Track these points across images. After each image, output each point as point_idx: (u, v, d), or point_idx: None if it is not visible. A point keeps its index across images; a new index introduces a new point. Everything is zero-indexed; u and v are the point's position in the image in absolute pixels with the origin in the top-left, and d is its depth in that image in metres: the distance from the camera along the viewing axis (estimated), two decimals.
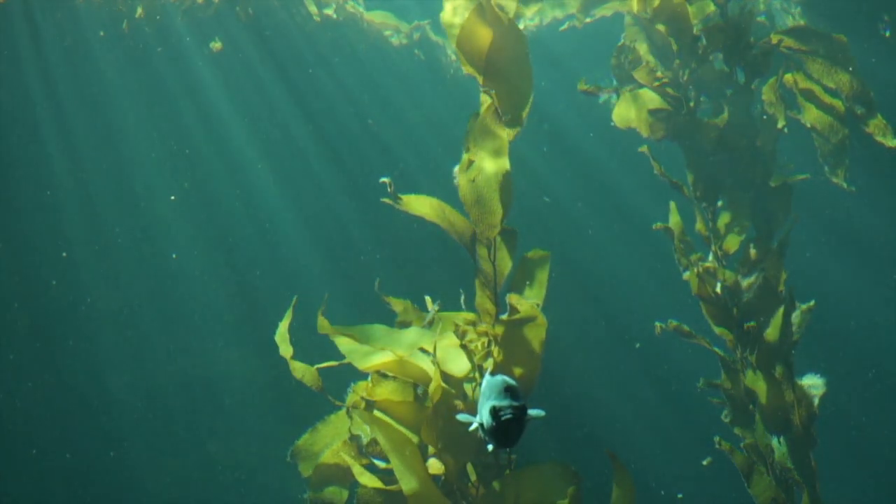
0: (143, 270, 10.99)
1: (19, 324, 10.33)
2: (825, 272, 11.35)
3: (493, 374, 3.79)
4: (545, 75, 10.99)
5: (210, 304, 11.18)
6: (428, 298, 5.03)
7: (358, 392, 4.88)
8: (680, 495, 11.55)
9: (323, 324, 4.84)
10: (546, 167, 12.56)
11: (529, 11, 5.40)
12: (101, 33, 11.12)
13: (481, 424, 3.51)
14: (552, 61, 11.67)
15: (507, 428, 3.34)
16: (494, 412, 3.34)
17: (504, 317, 4.83)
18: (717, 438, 5.84)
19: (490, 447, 3.58)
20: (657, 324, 6.37)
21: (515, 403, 3.35)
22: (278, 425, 10.68)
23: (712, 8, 6.41)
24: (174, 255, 11.02)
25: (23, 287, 10.42)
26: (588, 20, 6.83)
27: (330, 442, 4.99)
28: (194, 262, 11.23)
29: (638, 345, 12.12)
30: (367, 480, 4.70)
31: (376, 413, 4.73)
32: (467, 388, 4.81)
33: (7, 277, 10.36)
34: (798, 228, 6.59)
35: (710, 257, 6.44)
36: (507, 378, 3.53)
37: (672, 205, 6.48)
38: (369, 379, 4.86)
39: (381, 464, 4.79)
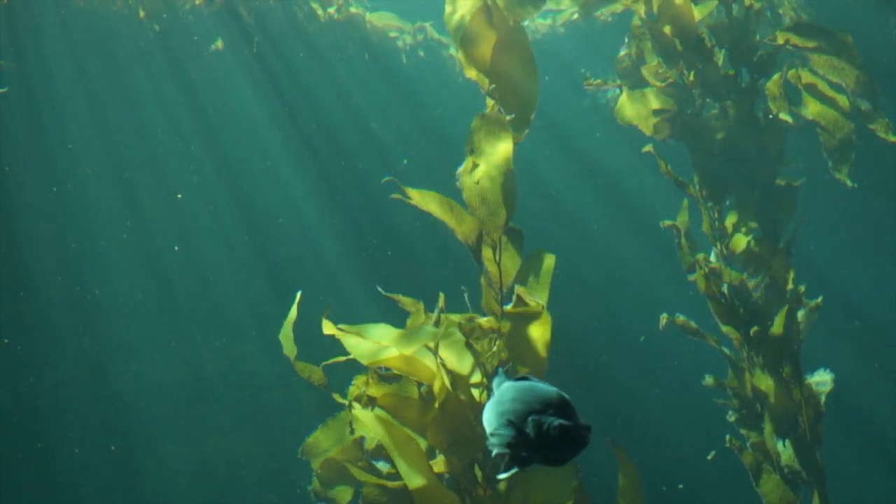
0: (148, 266, 11.03)
1: (24, 318, 10.37)
2: (829, 269, 11.34)
3: (511, 376, 3.31)
4: (554, 74, 10.98)
5: (214, 300, 11.21)
6: (442, 296, 5.03)
7: (358, 386, 4.88)
8: (681, 486, 11.56)
9: (327, 325, 4.84)
10: (550, 164, 12.57)
11: (535, 11, 5.35)
12: (105, 32, 11.14)
13: (516, 433, 3.01)
14: (562, 61, 11.68)
15: (566, 447, 2.94)
16: (562, 430, 2.92)
17: (509, 307, 4.84)
18: (728, 437, 5.85)
19: (496, 453, 3.11)
20: (663, 315, 6.37)
21: (581, 423, 2.93)
22: (282, 420, 10.71)
23: (717, 7, 6.39)
24: (176, 248, 11.04)
25: (28, 281, 10.45)
26: (597, 15, 6.80)
27: (339, 439, 4.99)
28: (199, 259, 11.25)
29: (642, 338, 12.12)
30: (370, 479, 4.70)
31: (378, 411, 4.72)
32: (474, 392, 4.81)
33: (12, 272, 10.39)
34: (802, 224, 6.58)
35: (713, 257, 6.43)
36: (550, 387, 3.07)
37: (684, 203, 6.48)
38: (368, 374, 4.85)
39: (383, 466, 4.78)
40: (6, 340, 10.17)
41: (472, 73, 5.19)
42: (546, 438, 2.94)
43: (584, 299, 12.32)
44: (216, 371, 11.00)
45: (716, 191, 6.45)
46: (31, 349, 10.31)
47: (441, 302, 5.00)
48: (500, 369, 3.83)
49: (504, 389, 3.15)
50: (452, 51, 12.70)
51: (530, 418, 2.98)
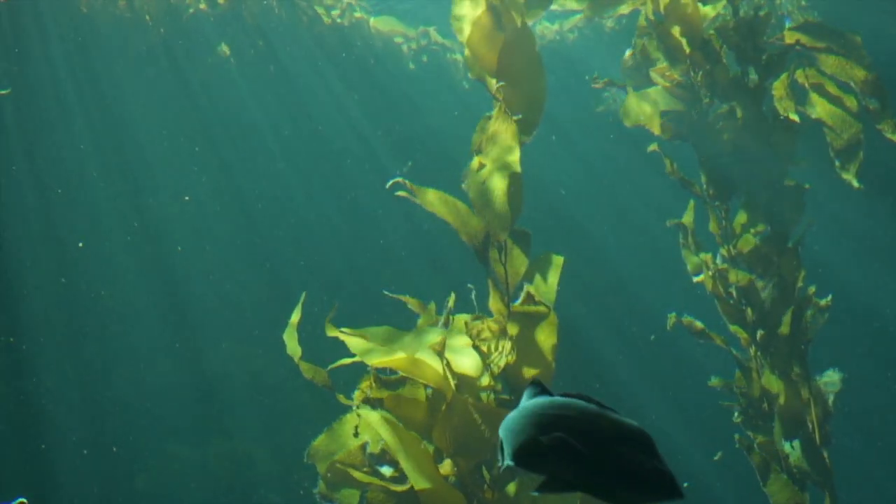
0: (153, 267, 11.04)
1: (28, 318, 10.38)
2: (836, 269, 11.30)
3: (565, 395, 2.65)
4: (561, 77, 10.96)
5: (219, 301, 11.22)
6: (451, 296, 5.00)
7: (364, 389, 4.86)
8: (686, 484, 11.52)
9: (330, 327, 4.82)
10: (557, 166, 12.56)
11: (542, 11, 5.32)
12: (108, 35, 11.15)
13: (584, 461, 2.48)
14: (569, 64, 11.68)
15: (650, 493, 2.45)
16: (657, 475, 2.45)
17: (517, 304, 4.81)
18: (736, 436, 5.83)
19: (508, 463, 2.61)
20: (671, 315, 6.34)
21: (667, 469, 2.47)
22: (286, 421, 10.71)
23: (724, 8, 6.35)
24: (179, 248, 11.05)
25: (32, 282, 10.46)
26: (604, 18, 6.78)
27: (346, 442, 4.96)
28: (204, 260, 11.26)
29: (653, 337, 12.11)
30: (375, 481, 4.67)
31: (384, 413, 4.70)
32: (483, 395, 4.79)
33: (17, 272, 10.40)
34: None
35: (718, 259, 6.40)
36: (630, 420, 2.57)
37: (691, 203, 6.46)
38: (371, 376, 4.83)
39: (386, 471, 4.75)
40: (11, 339, 10.18)
41: (478, 75, 5.16)
42: (628, 477, 2.47)
43: (590, 299, 12.30)
44: (221, 372, 11.01)
45: (723, 191, 6.41)
46: (35, 350, 10.32)
47: (450, 303, 4.98)
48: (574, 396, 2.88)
49: (575, 409, 2.58)
50: (457, 55, 12.69)
51: (622, 450, 2.51)
